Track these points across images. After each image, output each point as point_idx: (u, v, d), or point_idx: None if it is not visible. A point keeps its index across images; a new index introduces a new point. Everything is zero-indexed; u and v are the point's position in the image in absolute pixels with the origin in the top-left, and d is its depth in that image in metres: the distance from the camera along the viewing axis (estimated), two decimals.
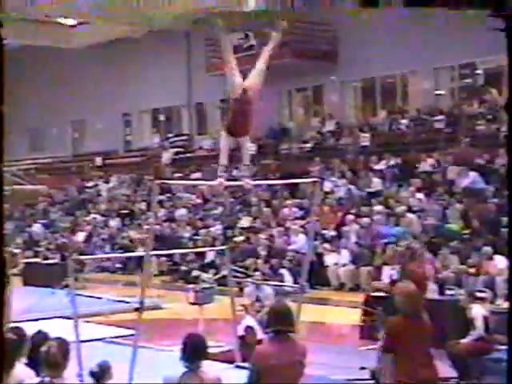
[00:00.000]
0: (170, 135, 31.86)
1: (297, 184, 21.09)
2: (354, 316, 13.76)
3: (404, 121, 23.34)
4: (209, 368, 5.58)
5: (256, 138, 24.48)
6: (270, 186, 22.80)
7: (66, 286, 13.87)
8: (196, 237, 22.42)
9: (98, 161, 32.91)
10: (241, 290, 14.54)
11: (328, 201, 20.76)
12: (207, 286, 13.83)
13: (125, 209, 27.30)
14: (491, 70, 22.21)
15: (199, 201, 25.49)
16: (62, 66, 34.96)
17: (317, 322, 14.80)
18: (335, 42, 25.61)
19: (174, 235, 23.23)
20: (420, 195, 19.38)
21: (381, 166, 21.89)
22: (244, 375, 5.87)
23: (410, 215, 18.54)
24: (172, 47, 30.65)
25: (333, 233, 19.63)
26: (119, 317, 15.13)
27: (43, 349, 5.34)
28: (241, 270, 18.23)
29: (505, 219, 14.97)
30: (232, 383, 7.20)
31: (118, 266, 23.61)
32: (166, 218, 24.63)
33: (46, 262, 23.07)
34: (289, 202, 22.08)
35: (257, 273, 16.51)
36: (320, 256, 18.61)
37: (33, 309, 14.63)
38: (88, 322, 13.33)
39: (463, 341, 10.21)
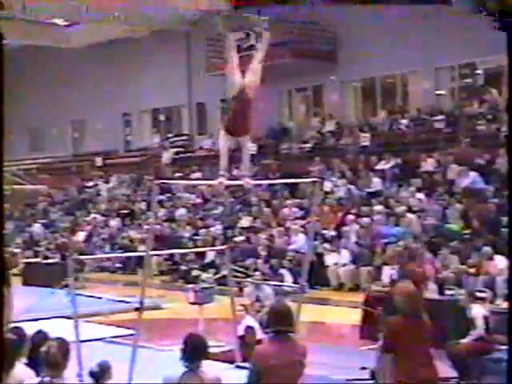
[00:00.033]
0: (170, 135, 31.86)
1: (297, 184, 21.10)
2: (354, 316, 13.76)
3: (404, 121, 23.33)
4: (209, 368, 5.58)
5: (256, 138, 24.47)
6: (270, 185, 22.81)
7: (66, 286, 13.91)
8: (196, 237, 22.42)
9: (98, 161, 32.90)
10: (241, 289, 14.54)
11: (328, 201, 20.76)
12: (207, 285, 13.85)
13: (125, 209, 27.30)
14: (491, 70, 22.20)
15: (199, 201, 25.49)
16: (62, 66, 34.96)
17: (317, 322, 14.80)
18: (335, 42, 25.60)
19: (173, 235, 23.23)
20: (420, 195, 19.38)
21: (381, 165, 21.89)
22: (244, 375, 5.87)
23: (410, 215, 18.54)
24: (172, 47, 30.65)
25: (333, 233, 19.63)
26: (119, 317, 15.13)
27: (43, 349, 5.33)
28: (241, 269, 18.24)
29: (505, 219, 14.99)
30: (232, 383, 7.20)
31: (117, 265, 23.61)
32: (166, 217, 24.63)
33: (46, 261, 23.07)
34: (289, 201, 22.07)
35: (257, 273, 16.51)
36: (320, 256, 18.60)
37: (33, 309, 14.63)
38: (88, 321, 13.32)
39: (463, 341, 10.21)
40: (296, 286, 11.70)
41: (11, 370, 5.52)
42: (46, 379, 5.28)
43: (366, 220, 19.23)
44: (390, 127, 23.84)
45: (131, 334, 10.31)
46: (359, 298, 14.65)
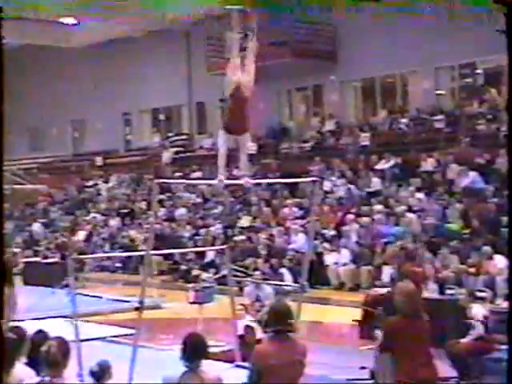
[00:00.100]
0: (170, 134, 31.86)
1: (297, 183, 21.10)
2: (355, 315, 13.75)
3: (404, 120, 23.34)
4: (209, 367, 5.58)
5: (256, 138, 24.49)
6: (270, 185, 22.81)
7: (66, 286, 13.93)
8: (196, 236, 22.43)
9: (98, 160, 32.91)
10: (241, 289, 14.53)
11: (328, 200, 20.77)
12: (207, 285, 13.85)
13: (125, 208, 27.30)
14: (491, 69, 22.21)
15: (199, 200, 25.49)
16: (62, 66, 34.96)
17: (317, 322, 14.81)
18: (335, 41, 25.60)
19: (174, 234, 23.23)
20: (420, 195, 19.38)
21: (381, 165, 21.89)
22: (244, 375, 5.87)
23: (409, 215, 18.54)
24: (172, 47, 30.65)
25: (333, 232, 19.64)
26: (119, 316, 15.14)
27: (43, 348, 5.33)
28: (241, 269, 18.23)
29: (505, 219, 14.99)
30: (232, 383, 7.20)
31: (117, 265, 23.61)
32: (166, 217, 24.63)
33: (45, 261, 23.06)
34: (289, 201, 22.07)
35: (257, 272, 16.47)
36: (320, 255, 18.61)
37: (33, 308, 14.62)
38: (88, 321, 13.33)
39: (463, 340, 10.21)
40: (296, 285, 11.70)
41: (11, 369, 5.52)
42: (46, 379, 5.28)
43: (365, 219, 19.23)
44: (389, 127, 23.85)
45: (131, 334, 10.31)
46: (359, 297, 14.66)
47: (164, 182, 14.62)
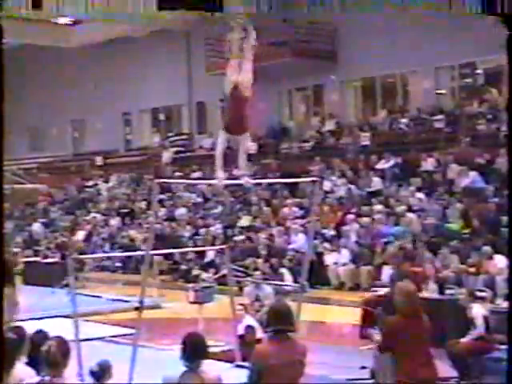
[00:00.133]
0: (171, 134, 31.87)
1: (297, 183, 21.10)
2: (355, 315, 13.76)
3: (404, 120, 23.33)
4: (209, 367, 5.58)
5: (256, 138, 24.49)
6: (270, 185, 22.81)
7: (66, 285, 13.94)
8: (196, 236, 22.43)
9: (98, 160, 32.91)
10: (241, 289, 14.53)
11: (328, 200, 20.77)
12: (207, 285, 13.85)
13: (125, 208, 27.30)
14: (491, 69, 22.21)
15: (199, 200, 25.49)
16: (62, 66, 34.98)
17: (317, 322, 14.81)
18: (335, 41, 25.60)
19: (174, 234, 23.23)
20: (420, 195, 19.38)
21: (381, 165, 21.89)
22: (244, 375, 5.87)
23: (410, 215, 18.54)
24: (172, 47, 30.65)
25: (333, 232, 19.64)
26: (119, 316, 15.14)
27: (43, 348, 5.33)
28: (241, 269, 18.23)
29: (505, 219, 14.98)
30: (232, 383, 7.20)
31: (118, 265, 23.62)
32: (166, 217, 24.63)
33: (46, 261, 23.05)
34: (289, 201, 22.07)
35: (257, 272, 16.49)
36: (320, 255, 18.61)
37: (33, 308, 14.60)
38: (88, 321, 13.33)
39: (463, 340, 10.21)
40: (296, 285, 11.70)
41: (11, 369, 5.52)
42: (46, 378, 5.28)
43: (366, 219, 19.23)
44: (390, 127, 23.84)
45: (131, 334, 10.31)
46: (359, 297, 14.65)
47: (164, 182, 14.62)
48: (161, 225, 23.33)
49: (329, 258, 18.73)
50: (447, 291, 13.39)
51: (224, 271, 15.50)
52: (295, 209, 21.51)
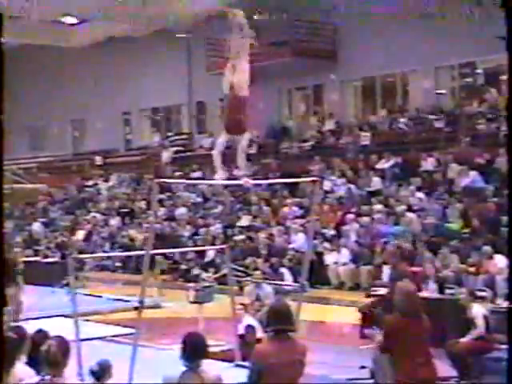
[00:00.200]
0: (170, 134, 31.88)
1: (297, 183, 21.09)
2: (354, 315, 13.76)
3: (404, 120, 23.33)
4: (209, 367, 5.57)
5: (256, 137, 24.51)
6: (270, 184, 22.80)
7: (66, 285, 13.94)
8: (196, 235, 22.43)
9: (98, 159, 32.91)
10: (241, 288, 14.54)
11: (328, 200, 20.77)
12: (207, 284, 13.84)
13: (125, 207, 27.30)
14: (491, 69, 22.21)
15: (199, 199, 25.49)
16: (62, 65, 34.97)
17: (317, 321, 14.80)
18: (335, 41, 25.60)
19: (174, 234, 23.23)
20: (420, 194, 19.38)
21: (381, 165, 21.89)
22: (244, 374, 5.87)
23: (410, 214, 18.53)
24: (172, 46, 30.64)
25: (333, 232, 19.63)
26: (119, 315, 15.14)
27: (43, 347, 5.34)
28: (241, 268, 18.24)
29: (505, 218, 14.99)
30: (232, 383, 7.20)
31: (117, 264, 23.61)
32: (166, 216, 24.63)
33: (46, 260, 23.08)
34: (289, 200, 22.07)
35: (257, 272, 16.50)
36: (320, 255, 18.61)
37: (33, 307, 14.62)
38: (88, 320, 13.33)
39: (463, 340, 10.21)
40: (296, 284, 11.71)
41: (11, 368, 5.52)
42: (47, 378, 5.28)
43: (365, 219, 19.23)
44: (389, 126, 23.84)
45: (131, 333, 10.31)
46: (359, 297, 14.65)
47: (164, 182, 14.61)
48: (161, 224, 23.33)
49: (329, 258, 18.73)
50: (447, 291, 13.40)
51: (224, 271, 15.52)
52: (295, 208, 21.52)
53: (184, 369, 5.46)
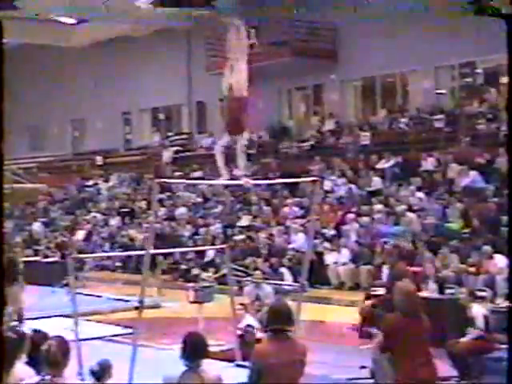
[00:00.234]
0: (170, 134, 31.88)
1: (297, 183, 21.09)
2: (355, 315, 13.75)
3: (404, 120, 23.33)
4: (209, 367, 5.58)
5: (259, 137, 24.52)
6: (270, 184, 22.79)
7: (66, 285, 13.93)
8: (196, 235, 22.44)
9: (98, 159, 32.91)
10: (241, 288, 14.53)
11: (328, 200, 20.76)
12: (207, 284, 13.84)
13: (125, 207, 27.30)
14: (491, 69, 22.20)
15: (199, 199, 25.49)
16: (62, 65, 34.98)
17: (317, 321, 14.79)
18: (335, 41, 25.60)
19: (174, 234, 23.23)
20: (420, 194, 19.38)
21: (381, 164, 21.89)
22: (244, 374, 5.87)
23: (410, 214, 18.53)
24: (172, 46, 30.65)
25: (333, 232, 19.63)
26: (119, 315, 15.14)
27: (43, 347, 5.33)
28: (241, 268, 18.24)
29: (505, 218, 14.98)
30: (232, 383, 7.20)
31: (117, 264, 23.61)
32: (166, 216, 24.63)
33: (46, 260, 23.07)
34: (289, 200, 22.07)
35: (257, 271, 16.49)
36: (320, 255, 18.60)
37: (33, 307, 14.63)
38: (88, 320, 13.33)
39: (463, 340, 10.21)
40: (296, 284, 11.70)
41: (11, 368, 5.52)
42: (47, 378, 5.28)
43: (366, 219, 19.23)
44: (389, 126, 23.84)
45: (131, 333, 10.31)
46: (359, 296, 14.64)
47: (164, 182, 14.62)
48: (161, 224, 23.33)
49: (329, 258, 18.73)
50: (447, 291, 13.39)
51: (224, 271, 15.51)
52: (295, 208, 21.51)
53: (184, 369, 5.46)
